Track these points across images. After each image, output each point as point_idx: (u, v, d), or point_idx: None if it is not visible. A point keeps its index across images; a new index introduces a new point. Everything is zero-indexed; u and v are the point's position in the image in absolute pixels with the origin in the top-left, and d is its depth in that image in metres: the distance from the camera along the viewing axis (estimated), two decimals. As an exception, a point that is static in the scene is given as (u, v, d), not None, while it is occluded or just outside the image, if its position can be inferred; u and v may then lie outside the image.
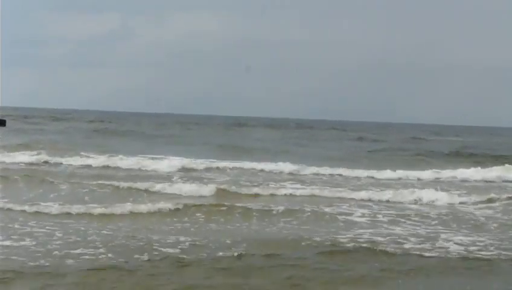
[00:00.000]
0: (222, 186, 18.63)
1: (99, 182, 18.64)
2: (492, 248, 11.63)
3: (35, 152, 25.99)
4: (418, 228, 13.73)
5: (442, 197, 18.28)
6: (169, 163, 24.56)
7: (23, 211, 13.70)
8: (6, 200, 14.90)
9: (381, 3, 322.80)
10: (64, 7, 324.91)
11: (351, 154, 36.06)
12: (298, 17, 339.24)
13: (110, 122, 76.57)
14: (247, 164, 25.68)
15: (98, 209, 14.06)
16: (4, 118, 53.72)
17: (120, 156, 25.92)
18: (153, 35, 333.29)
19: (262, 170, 24.62)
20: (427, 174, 24.84)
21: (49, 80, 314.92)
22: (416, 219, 14.77)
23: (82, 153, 26.89)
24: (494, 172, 25.73)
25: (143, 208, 14.56)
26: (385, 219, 14.54)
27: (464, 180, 24.24)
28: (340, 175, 23.98)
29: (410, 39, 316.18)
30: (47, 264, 9.48)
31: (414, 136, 67.44)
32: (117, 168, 23.65)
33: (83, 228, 12.34)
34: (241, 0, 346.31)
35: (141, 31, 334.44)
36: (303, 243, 11.40)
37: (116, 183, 18.54)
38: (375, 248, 11.07)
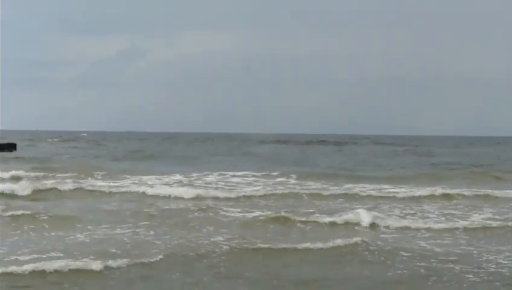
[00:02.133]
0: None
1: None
2: None
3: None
4: None
5: None
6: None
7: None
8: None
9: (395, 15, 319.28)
10: (73, 30, 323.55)
11: (448, 171, 33.44)
12: (309, 33, 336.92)
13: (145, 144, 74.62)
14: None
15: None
16: (15, 142, 53.18)
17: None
18: (163, 54, 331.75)
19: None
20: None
21: (59, 102, 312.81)
22: None
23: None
24: None
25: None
26: None
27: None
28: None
29: (418, 51, 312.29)
30: None
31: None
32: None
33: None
34: (249, 18, 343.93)
35: (150, 51, 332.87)
36: None
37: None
38: None
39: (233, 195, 20.36)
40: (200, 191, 20.76)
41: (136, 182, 23.39)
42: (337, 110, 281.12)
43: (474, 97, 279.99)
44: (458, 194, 20.91)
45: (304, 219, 15.34)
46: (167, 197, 19.81)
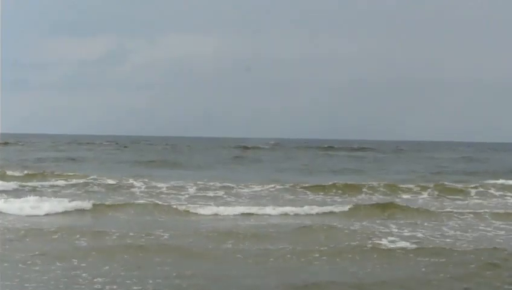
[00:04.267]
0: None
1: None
2: None
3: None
4: None
5: None
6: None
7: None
8: None
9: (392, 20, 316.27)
10: (57, 31, 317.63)
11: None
12: (294, 35, 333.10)
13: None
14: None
15: None
16: None
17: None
18: (148, 56, 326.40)
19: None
20: None
21: (44, 105, 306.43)
22: None
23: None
24: None
25: None
26: None
27: None
28: None
29: (412, 55, 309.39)
30: None
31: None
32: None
33: None
34: (235, 21, 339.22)
35: (135, 52, 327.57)
36: None
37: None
38: None
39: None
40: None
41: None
42: (321, 115, 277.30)
43: (461, 101, 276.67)
44: None
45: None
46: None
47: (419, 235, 15.17)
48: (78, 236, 13.97)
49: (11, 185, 23.90)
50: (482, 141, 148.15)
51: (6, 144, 70.36)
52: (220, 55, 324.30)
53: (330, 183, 25.80)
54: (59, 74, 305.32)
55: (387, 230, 15.84)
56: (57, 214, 17.87)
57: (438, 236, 15.06)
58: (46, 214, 17.70)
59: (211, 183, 25.31)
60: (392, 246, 13.44)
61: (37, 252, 12.14)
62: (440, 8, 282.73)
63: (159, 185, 24.83)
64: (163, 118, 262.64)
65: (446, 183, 26.61)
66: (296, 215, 18.36)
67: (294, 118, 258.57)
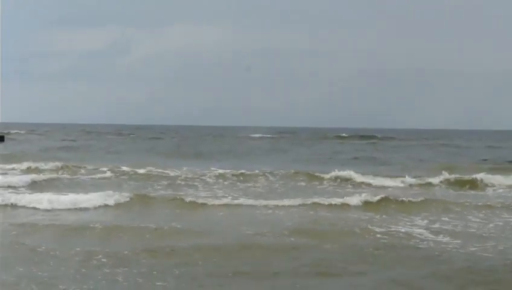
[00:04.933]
0: None
1: None
2: None
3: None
4: None
5: None
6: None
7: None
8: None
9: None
10: (63, 22, 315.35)
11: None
12: (300, 26, 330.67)
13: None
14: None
15: None
16: (3, 134, 52.52)
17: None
18: (154, 47, 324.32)
19: None
20: None
21: (50, 94, 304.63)
22: None
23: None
24: None
25: None
26: None
27: None
28: None
29: (415, 45, 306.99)
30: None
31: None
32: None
33: None
34: (241, 11, 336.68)
35: (141, 43, 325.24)
36: None
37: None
38: None
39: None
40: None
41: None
42: (325, 105, 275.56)
43: (469, 91, 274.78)
44: None
45: None
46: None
47: None
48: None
49: (44, 177, 22.73)
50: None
51: (17, 134, 70.07)
52: (227, 46, 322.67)
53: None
54: (65, 64, 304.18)
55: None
56: (106, 206, 16.70)
57: None
58: (95, 208, 16.53)
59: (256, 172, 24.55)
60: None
61: (126, 252, 11.02)
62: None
63: (203, 172, 23.92)
64: (171, 108, 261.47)
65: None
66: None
67: (303, 108, 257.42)
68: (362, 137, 76.33)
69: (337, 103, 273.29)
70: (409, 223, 14.67)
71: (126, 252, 10.94)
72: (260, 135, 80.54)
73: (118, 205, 16.78)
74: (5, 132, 55.82)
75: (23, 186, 20.06)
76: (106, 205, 16.63)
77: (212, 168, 25.08)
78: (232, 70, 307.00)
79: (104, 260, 10.39)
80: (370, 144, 60.00)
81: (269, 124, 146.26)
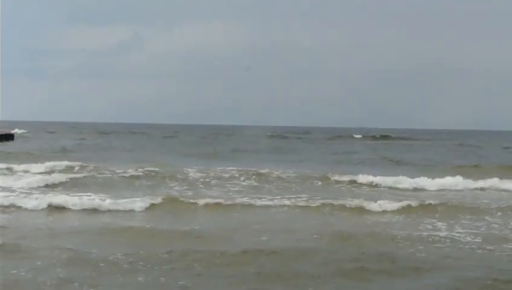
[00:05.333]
0: None
1: None
2: None
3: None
4: None
5: None
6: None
7: None
8: None
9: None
10: (73, 20, 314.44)
11: None
12: (311, 24, 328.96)
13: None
14: None
15: None
16: (12, 133, 51.61)
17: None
18: (164, 45, 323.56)
19: None
20: None
21: (61, 92, 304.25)
22: None
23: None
24: None
25: None
26: None
27: None
28: None
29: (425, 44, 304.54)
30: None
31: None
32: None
33: None
34: (252, 9, 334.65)
35: (152, 41, 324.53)
36: None
37: None
38: None
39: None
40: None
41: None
42: (334, 103, 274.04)
43: (480, 90, 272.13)
44: None
45: None
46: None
47: None
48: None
49: (75, 176, 21.64)
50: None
51: (30, 132, 69.25)
52: (239, 43, 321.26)
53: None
54: (74, 62, 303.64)
55: None
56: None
57: None
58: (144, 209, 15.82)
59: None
60: None
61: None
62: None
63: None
64: (180, 106, 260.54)
65: None
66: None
67: (318, 106, 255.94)
68: (386, 137, 74.90)
69: (352, 102, 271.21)
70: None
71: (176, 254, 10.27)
72: (273, 134, 79.46)
73: (158, 205, 16.24)
74: (13, 131, 54.44)
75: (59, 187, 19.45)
76: (150, 205, 16.05)
77: (239, 168, 24.54)
78: (244, 67, 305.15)
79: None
80: (402, 145, 58.39)
81: (283, 124, 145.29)
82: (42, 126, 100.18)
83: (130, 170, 23.18)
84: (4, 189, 17.92)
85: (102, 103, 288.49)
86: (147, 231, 12.68)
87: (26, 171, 22.72)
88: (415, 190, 21.05)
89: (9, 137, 47.99)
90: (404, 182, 21.86)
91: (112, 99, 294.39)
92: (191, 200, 16.81)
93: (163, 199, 16.72)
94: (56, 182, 20.00)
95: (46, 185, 19.39)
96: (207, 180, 21.81)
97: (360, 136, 78.57)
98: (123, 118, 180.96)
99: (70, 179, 20.83)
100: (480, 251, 11.18)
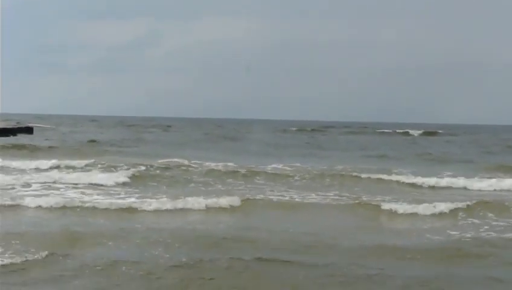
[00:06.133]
0: None
1: None
2: None
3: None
4: None
5: None
6: None
7: None
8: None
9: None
10: (92, 15, 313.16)
11: None
12: (330, 20, 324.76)
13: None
14: None
15: None
16: (32, 126, 51.35)
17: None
18: (182, 40, 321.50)
19: None
20: None
21: (77, 87, 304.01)
22: None
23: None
24: None
25: None
26: None
27: None
28: None
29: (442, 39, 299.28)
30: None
31: None
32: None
33: None
34: (270, 5, 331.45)
35: (170, 36, 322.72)
36: None
37: None
38: None
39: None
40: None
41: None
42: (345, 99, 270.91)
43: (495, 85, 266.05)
44: None
45: None
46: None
47: None
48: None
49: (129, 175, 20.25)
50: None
51: (58, 125, 68.41)
52: (258, 38, 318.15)
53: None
54: (93, 56, 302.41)
55: None
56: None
57: None
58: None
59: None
60: None
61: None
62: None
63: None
64: (201, 100, 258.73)
65: None
66: None
67: (338, 101, 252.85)
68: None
69: (375, 97, 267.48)
70: None
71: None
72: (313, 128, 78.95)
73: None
74: (32, 125, 53.12)
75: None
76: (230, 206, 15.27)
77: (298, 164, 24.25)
78: (264, 62, 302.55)
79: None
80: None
81: (303, 118, 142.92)
82: (60, 120, 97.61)
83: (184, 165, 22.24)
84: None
85: (121, 97, 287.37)
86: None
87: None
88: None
89: (29, 130, 47.64)
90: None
91: (130, 93, 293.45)
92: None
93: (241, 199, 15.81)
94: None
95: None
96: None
97: (420, 131, 74.78)
98: (143, 111, 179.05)
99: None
100: None
